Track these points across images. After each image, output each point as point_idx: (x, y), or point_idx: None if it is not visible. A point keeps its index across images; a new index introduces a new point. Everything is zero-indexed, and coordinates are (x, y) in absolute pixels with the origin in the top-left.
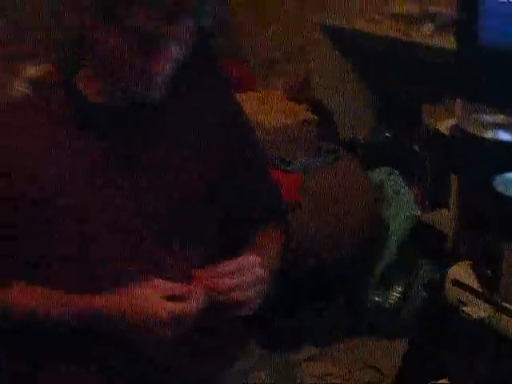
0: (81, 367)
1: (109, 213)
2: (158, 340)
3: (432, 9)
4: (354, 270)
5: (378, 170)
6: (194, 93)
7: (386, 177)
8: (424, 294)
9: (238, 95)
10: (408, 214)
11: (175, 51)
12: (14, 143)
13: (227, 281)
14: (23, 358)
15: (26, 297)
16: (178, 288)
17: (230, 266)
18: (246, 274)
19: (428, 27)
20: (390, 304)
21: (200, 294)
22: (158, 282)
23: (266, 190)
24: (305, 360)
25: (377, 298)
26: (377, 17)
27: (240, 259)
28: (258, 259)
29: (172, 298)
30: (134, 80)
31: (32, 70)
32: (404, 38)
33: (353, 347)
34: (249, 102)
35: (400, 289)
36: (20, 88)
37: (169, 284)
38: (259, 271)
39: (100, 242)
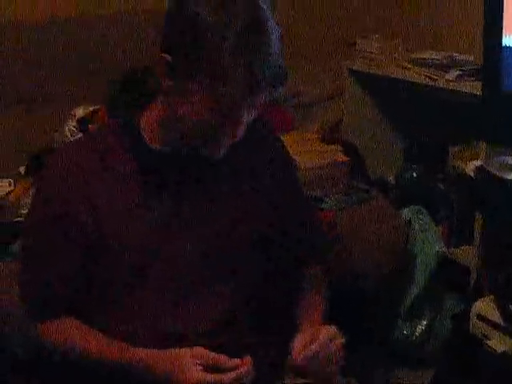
0: None
1: (170, 257)
2: None
3: (458, 56)
4: (382, 303)
5: (406, 208)
6: (244, 142)
7: (414, 215)
8: (449, 327)
9: None
10: (434, 250)
11: (249, 117)
12: (76, 189)
13: (316, 362)
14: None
15: (71, 331)
16: (221, 359)
17: (317, 346)
18: (331, 348)
19: (454, 73)
20: (416, 336)
21: (246, 370)
22: (202, 351)
23: (313, 233)
24: None
25: (404, 331)
26: (405, 63)
27: (322, 336)
28: (335, 330)
29: (215, 369)
30: (208, 141)
31: (81, 111)
32: (431, 83)
33: (379, 378)
34: (285, 144)
35: (426, 322)
36: (72, 128)
37: (212, 354)
38: (339, 341)
39: (158, 285)
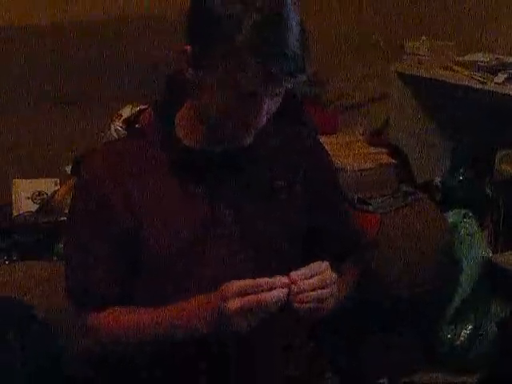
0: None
1: (207, 257)
2: (234, 332)
3: (506, 59)
4: (427, 307)
5: (452, 212)
6: (281, 139)
7: (460, 219)
8: (495, 332)
9: (320, 138)
10: (480, 254)
11: (273, 105)
12: (113, 187)
13: (305, 282)
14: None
15: (121, 314)
16: (259, 282)
17: (304, 271)
18: (319, 276)
19: (502, 76)
20: (461, 341)
21: (279, 285)
22: (238, 282)
23: (346, 228)
24: None
25: (449, 335)
26: (453, 66)
27: (311, 265)
28: (327, 263)
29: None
30: (232, 131)
31: (127, 111)
32: (479, 86)
33: (422, 382)
34: (330, 146)
35: (471, 327)
36: (118, 128)
37: (248, 280)
38: (331, 274)
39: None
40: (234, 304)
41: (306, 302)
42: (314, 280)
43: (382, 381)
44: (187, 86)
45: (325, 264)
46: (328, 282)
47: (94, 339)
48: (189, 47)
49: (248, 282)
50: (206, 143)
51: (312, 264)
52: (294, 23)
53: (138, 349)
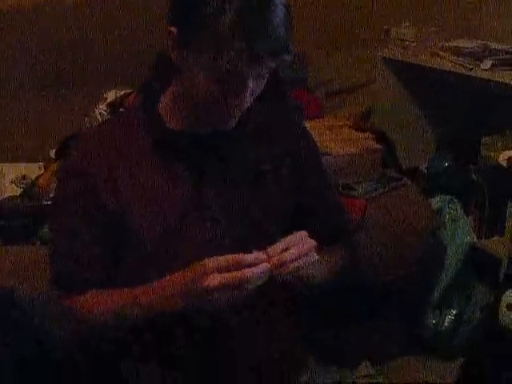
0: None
1: (191, 238)
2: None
3: (492, 45)
4: (412, 292)
5: (437, 197)
6: (266, 122)
7: (445, 204)
8: (478, 317)
9: (305, 123)
10: (465, 240)
11: (257, 87)
12: (99, 171)
13: (284, 254)
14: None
15: (103, 296)
16: (238, 257)
17: (281, 244)
18: (297, 246)
19: (488, 63)
20: (445, 326)
21: (260, 261)
22: (218, 257)
23: (333, 211)
24: (359, 377)
25: (433, 320)
26: (439, 52)
27: (292, 236)
28: (304, 232)
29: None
30: (216, 112)
31: (111, 95)
32: (465, 72)
33: (407, 367)
34: (316, 130)
35: (455, 312)
36: (102, 112)
37: (228, 256)
38: (310, 242)
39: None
40: (214, 280)
41: (287, 273)
42: (293, 250)
43: (363, 363)
44: (173, 67)
45: (302, 233)
46: (307, 249)
47: (76, 322)
48: (173, 28)
49: (228, 257)
50: (190, 125)
51: (289, 236)
52: (277, 2)
53: (119, 329)
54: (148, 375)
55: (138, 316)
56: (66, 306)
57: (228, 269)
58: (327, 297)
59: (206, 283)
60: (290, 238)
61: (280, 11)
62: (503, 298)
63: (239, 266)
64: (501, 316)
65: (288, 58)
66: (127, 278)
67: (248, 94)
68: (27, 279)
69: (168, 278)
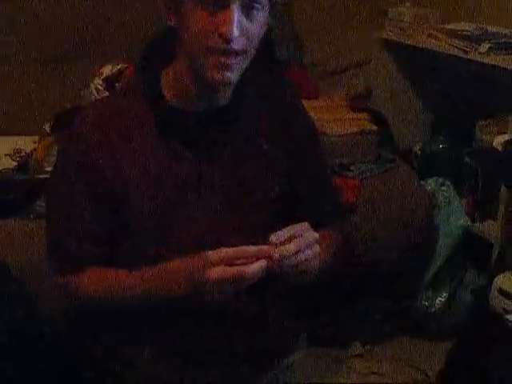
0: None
1: (192, 217)
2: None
3: (490, 28)
4: (404, 273)
5: (431, 179)
6: (261, 98)
7: (439, 187)
8: (469, 300)
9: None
10: (458, 223)
11: (252, 28)
12: (100, 149)
13: (287, 247)
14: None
15: (98, 279)
16: (240, 251)
17: (284, 233)
18: (300, 238)
19: (485, 46)
20: (436, 308)
21: (261, 255)
22: (219, 250)
23: (327, 193)
24: (350, 357)
25: (424, 302)
26: (437, 34)
27: (291, 227)
28: (307, 224)
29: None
30: (212, 63)
31: (107, 70)
32: (462, 55)
33: (398, 347)
34: (312, 110)
35: (446, 294)
36: (98, 86)
37: (230, 249)
38: (312, 234)
39: (179, 240)
40: (215, 273)
41: (288, 266)
42: (296, 243)
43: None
44: (173, 38)
45: (305, 225)
46: (310, 242)
47: (72, 299)
48: None
49: (230, 250)
50: (190, 102)
51: (291, 226)
52: None
53: (114, 310)
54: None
55: (136, 299)
56: (59, 281)
57: (230, 262)
58: (318, 280)
59: (207, 275)
60: (293, 228)
61: None
62: (495, 282)
63: (240, 259)
64: (491, 300)
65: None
66: (125, 256)
67: (237, 24)
68: (21, 252)
69: (171, 264)
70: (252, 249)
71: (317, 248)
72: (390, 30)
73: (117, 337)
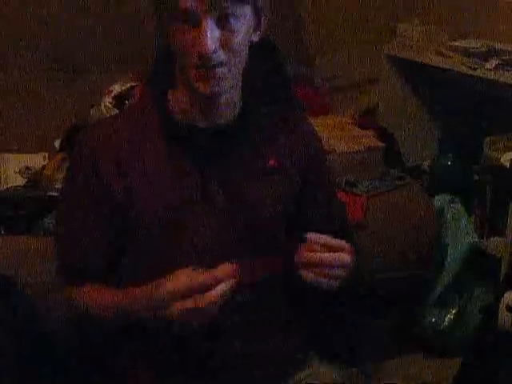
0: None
1: (196, 231)
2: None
3: (497, 45)
4: (412, 290)
5: (439, 196)
6: (270, 118)
7: (447, 203)
8: (478, 317)
9: (310, 119)
10: (466, 240)
11: (225, 38)
12: (108, 164)
13: (319, 255)
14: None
15: (94, 295)
16: (189, 285)
17: (325, 239)
18: (337, 253)
19: (493, 63)
20: (444, 325)
21: (223, 277)
22: (169, 284)
23: (334, 212)
24: (359, 374)
25: (432, 319)
26: (445, 51)
27: (334, 240)
28: (348, 246)
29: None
30: (199, 77)
31: (117, 88)
32: (470, 71)
33: (406, 364)
34: (320, 127)
35: (454, 311)
36: (108, 104)
37: (180, 284)
38: (348, 257)
39: (188, 253)
40: (174, 310)
41: (311, 278)
42: (329, 257)
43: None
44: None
45: (346, 246)
46: (342, 263)
47: (74, 311)
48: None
49: (185, 284)
50: (196, 118)
51: (333, 239)
52: None
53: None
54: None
55: (120, 318)
56: (65, 295)
57: (187, 294)
58: (328, 296)
59: (168, 313)
60: (336, 241)
61: None
62: (503, 299)
63: (203, 289)
64: (500, 317)
65: (241, 1)
66: (132, 270)
67: (211, 39)
68: (30, 269)
69: (148, 285)
70: (212, 275)
71: (343, 273)
72: (399, 47)
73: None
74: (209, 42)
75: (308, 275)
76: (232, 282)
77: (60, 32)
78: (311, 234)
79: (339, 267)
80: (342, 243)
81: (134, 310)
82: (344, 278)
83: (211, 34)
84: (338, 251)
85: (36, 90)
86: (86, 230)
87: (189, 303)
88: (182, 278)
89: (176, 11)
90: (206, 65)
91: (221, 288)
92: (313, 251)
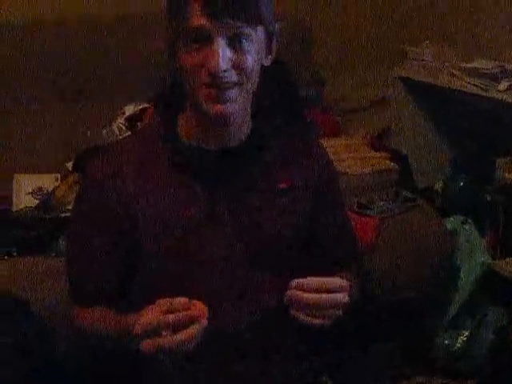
0: None
1: (203, 255)
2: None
3: (509, 66)
4: (425, 312)
5: (452, 218)
6: (282, 141)
7: (460, 225)
8: (491, 339)
9: (322, 141)
10: (479, 261)
11: (238, 60)
12: (116, 188)
13: (310, 296)
14: None
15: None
16: (157, 321)
17: (318, 282)
18: (330, 295)
19: (505, 84)
20: (458, 347)
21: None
22: (139, 320)
23: (344, 235)
24: None
25: (445, 341)
26: (457, 72)
27: (330, 279)
28: (347, 284)
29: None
30: (209, 97)
31: (130, 109)
32: (481, 92)
33: None
34: (332, 149)
35: (468, 333)
36: (121, 125)
37: (149, 321)
38: (343, 297)
39: (199, 276)
40: (145, 346)
41: (304, 318)
42: (321, 298)
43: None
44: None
45: (340, 282)
46: (337, 303)
47: (82, 333)
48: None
49: (156, 320)
50: (205, 142)
51: (328, 279)
52: None
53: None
54: None
55: (113, 343)
56: (72, 317)
57: (156, 331)
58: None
59: (141, 348)
60: (327, 281)
61: None
62: None
63: (172, 325)
64: None
65: (254, 22)
66: (142, 293)
67: (223, 58)
68: (42, 290)
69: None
70: (185, 314)
71: (338, 313)
72: (410, 69)
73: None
74: (220, 60)
75: (298, 315)
76: (204, 322)
77: (72, 54)
78: (301, 280)
79: (332, 308)
80: (337, 282)
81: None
82: (338, 316)
83: (223, 53)
84: (332, 291)
85: (49, 111)
86: (95, 253)
87: (160, 341)
88: (154, 313)
89: (187, 29)
90: (217, 83)
91: (192, 329)
92: (304, 290)
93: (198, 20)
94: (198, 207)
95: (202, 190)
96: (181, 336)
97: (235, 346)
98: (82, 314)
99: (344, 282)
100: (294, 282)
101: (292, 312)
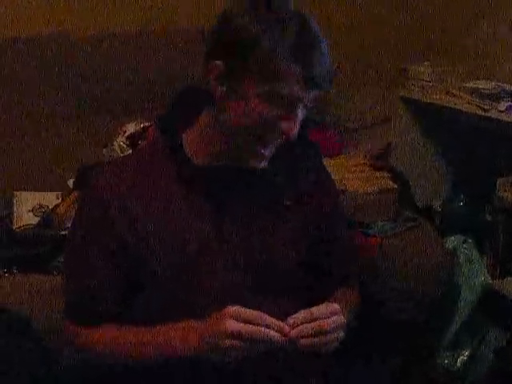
0: None
1: (211, 273)
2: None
3: (509, 87)
4: (424, 332)
5: (452, 237)
6: (287, 159)
7: (460, 244)
8: (491, 359)
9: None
10: (479, 280)
11: (301, 117)
12: (118, 207)
13: (309, 326)
14: None
15: (110, 333)
16: (252, 313)
17: (312, 313)
18: (327, 320)
19: (505, 104)
20: (457, 367)
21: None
22: (237, 307)
23: (347, 254)
24: None
25: (445, 361)
26: (456, 92)
27: (322, 307)
28: (338, 307)
29: None
30: (252, 151)
31: (131, 128)
32: (481, 113)
33: None
34: (333, 168)
35: (468, 353)
36: (122, 144)
37: (244, 309)
38: (339, 319)
39: (209, 293)
40: (233, 325)
41: (305, 346)
42: (315, 326)
43: None
44: (202, 100)
45: (333, 307)
46: (334, 327)
47: (84, 354)
48: (219, 62)
49: (250, 312)
50: (216, 160)
51: (316, 308)
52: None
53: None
54: None
55: (142, 358)
56: (67, 335)
57: (248, 321)
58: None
59: (224, 326)
60: (317, 310)
61: (325, 42)
62: None
63: (258, 323)
64: None
65: (330, 88)
66: (144, 312)
67: (297, 122)
68: (43, 307)
69: (179, 323)
70: (272, 320)
71: (340, 334)
72: (410, 89)
73: None
74: (297, 128)
75: (304, 344)
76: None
77: (72, 75)
78: (295, 315)
79: (335, 331)
80: (332, 308)
81: (167, 345)
82: (338, 338)
83: (299, 119)
84: (329, 316)
85: (51, 129)
86: (94, 272)
87: (251, 327)
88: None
89: (276, 93)
90: (278, 142)
91: (278, 336)
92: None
93: (291, 89)
94: (205, 225)
95: (208, 208)
96: (271, 332)
97: (239, 370)
98: (89, 336)
99: (334, 305)
100: (291, 319)
101: (299, 345)
